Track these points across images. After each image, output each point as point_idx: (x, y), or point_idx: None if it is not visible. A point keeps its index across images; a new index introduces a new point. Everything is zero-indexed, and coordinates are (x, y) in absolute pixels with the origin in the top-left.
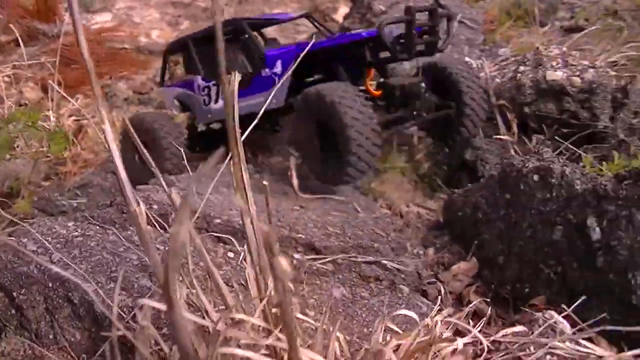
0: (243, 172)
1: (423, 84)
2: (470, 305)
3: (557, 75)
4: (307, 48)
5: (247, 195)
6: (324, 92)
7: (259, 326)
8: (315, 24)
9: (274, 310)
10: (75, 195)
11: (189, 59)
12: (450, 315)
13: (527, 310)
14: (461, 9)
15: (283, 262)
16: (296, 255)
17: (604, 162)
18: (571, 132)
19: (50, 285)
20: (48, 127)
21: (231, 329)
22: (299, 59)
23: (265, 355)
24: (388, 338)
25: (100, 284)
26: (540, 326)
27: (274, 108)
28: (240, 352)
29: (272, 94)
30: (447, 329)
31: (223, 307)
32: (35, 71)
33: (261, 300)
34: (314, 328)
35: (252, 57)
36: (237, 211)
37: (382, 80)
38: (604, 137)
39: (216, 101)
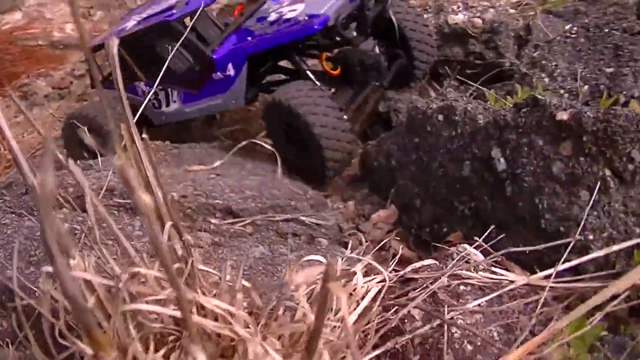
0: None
1: (377, 50)
2: (389, 249)
3: (458, 18)
4: (257, 45)
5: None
6: (288, 99)
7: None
8: None
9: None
10: (2, 195)
11: (122, 62)
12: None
13: (442, 246)
14: None
15: (144, 197)
16: (214, 221)
17: (508, 97)
18: (480, 73)
19: None
20: None
21: (132, 284)
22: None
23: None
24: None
25: (20, 269)
26: (453, 260)
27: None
28: (143, 306)
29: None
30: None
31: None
32: None
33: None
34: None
35: (198, 60)
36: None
37: (338, 55)
38: (511, 74)
39: (168, 104)
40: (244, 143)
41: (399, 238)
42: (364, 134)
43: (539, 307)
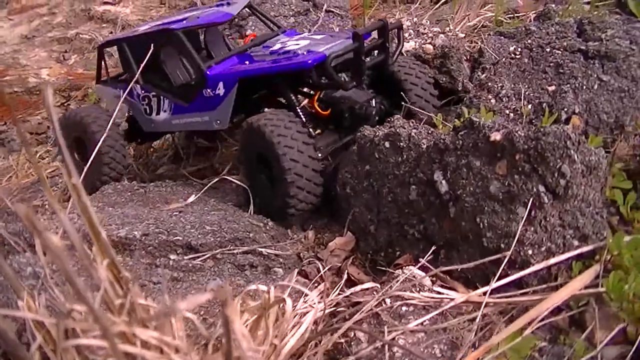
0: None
1: (374, 101)
2: (346, 274)
3: (410, 45)
4: (249, 69)
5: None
6: (257, 123)
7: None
8: (258, 15)
9: (117, 301)
10: None
11: (125, 62)
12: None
13: (389, 270)
14: None
15: (52, 238)
16: (172, 257)
17: (456, 120)
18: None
19: None
20: None
21: (71, 320)
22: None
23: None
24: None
25: None
26: (398, 282)
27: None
28: (82, 341)
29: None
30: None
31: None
32: None
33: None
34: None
35: (192, 72)
36: (137, 223)
37: (328, 96)
38: (464, 97)
39: (158, 112)
40: (215, 180)
41: (355, 264)
42: None
43: (477, 321)
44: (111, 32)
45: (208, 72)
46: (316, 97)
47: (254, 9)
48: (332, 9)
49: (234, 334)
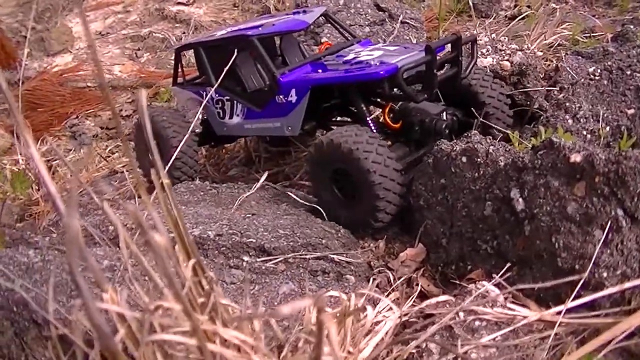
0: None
1: (445, 115)
2: (416, 286)
3: (487, 61)
4: (322, 78)
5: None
6: (338, 140)
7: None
8: (333, 24)
9: (200, 300)
10: (50, 232)
11: (200, 65)
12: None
13: (462, 284)
14: (402, 10)
15: (156, 236)
16: (246, 258)
17: (532, 139)
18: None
19: (15, 309)
20: (17, 169)
21: (155, 315)
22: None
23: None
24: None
25: (61, 303)
26: (471, 296)
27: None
28: (166, 336)
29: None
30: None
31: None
32: (2, 119)
33: (183, 286)
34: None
35: (266, 78)
36: (196, 224)
37: (399, 109)
38: (539, 116)
39: (231, 117)
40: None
41: (425, 275)
42: None
43: (549, 340)
44: (184, 33)
45: (281, 79)
46: (387, 109)
47: (329, 18)
48: (407, 21)
49: (329, 342)
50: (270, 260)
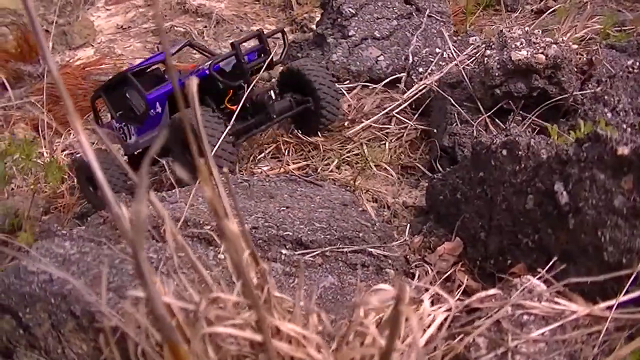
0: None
1: (271, 92)
2: (455, 280)
3: (521, 54)
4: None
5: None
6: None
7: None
8: (198, 49)
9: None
10: (76, 225)
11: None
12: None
13: (506, 277)
14: (429, 4)
15: (231, 225)
16: (284, 251)
17: (571, 132)
18: (543, 108)
19: (52, 301)
20: (43, 162)
21: (212, 308)
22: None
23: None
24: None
25: (99, 295)
26: (517, 290)
27: None
28: (222, 329)
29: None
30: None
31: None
32: (25, 112)
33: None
34: (292, 306)
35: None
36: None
37: (234, 95)
38: (575, 109)
39: (130, 137)
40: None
41: (464, 269)
42: (430, 167)
43: (601, 337)
44: (205, 26)
45: (148, 96)
46: (227, 98)
47: (194, 46)
48: (433, 14)
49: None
50: (308, 253)
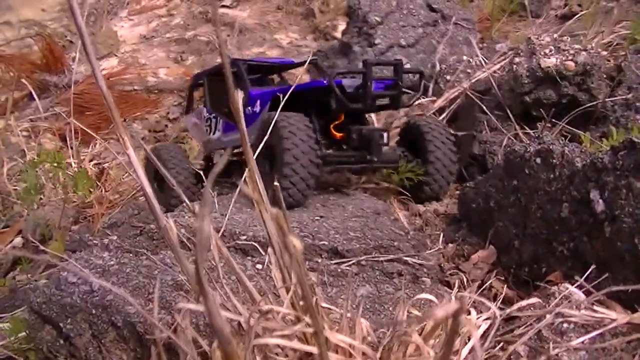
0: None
1: (385, 133)
2: (491, 288)
3: (550, 61)
4: (280, 89)
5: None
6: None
7: (290, 318)
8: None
9: (302, 302)
10: (106, 235)
11: (203, 91)
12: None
13: (544, 285)
14: (454, 11)
15: (294, 240)
16: (319, 261)
17: (603, 139)
18: (573, 115)
19: (93, 312)
20: (71, 173)
21: (262, 320)
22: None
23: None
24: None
25: (140, 305)
26: (555, 299)
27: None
28: (273, 340)
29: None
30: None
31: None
32: (51, 122)
33: (287, 290)
34: (339, 316)
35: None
36: (261, 227)
37: (343, 124)
38: (605, 115)
39: (214, 132)
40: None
41: (497, 278)
42: (460, 175)
43: None
44: (228, 35)
45: (250, 92)
46: (333, 125)
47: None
48: (459, 22)
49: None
50: (344, 262)
